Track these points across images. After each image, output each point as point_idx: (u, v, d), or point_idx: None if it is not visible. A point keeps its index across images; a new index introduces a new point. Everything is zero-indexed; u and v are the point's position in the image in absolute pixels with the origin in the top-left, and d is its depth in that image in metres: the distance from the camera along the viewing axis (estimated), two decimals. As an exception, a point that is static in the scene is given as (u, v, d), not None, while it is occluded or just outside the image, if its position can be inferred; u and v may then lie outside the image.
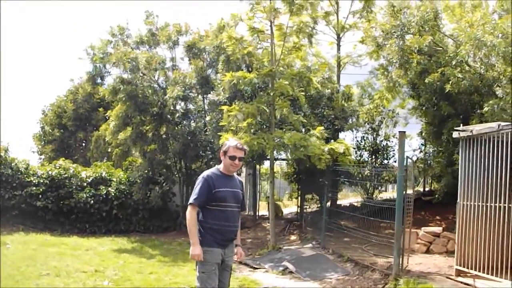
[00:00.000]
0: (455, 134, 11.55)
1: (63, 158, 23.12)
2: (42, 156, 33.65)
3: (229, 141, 6.84)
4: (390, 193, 23.59)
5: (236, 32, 16.65)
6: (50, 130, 33.25)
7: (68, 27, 74.33)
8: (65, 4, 66.69)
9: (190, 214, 6.49)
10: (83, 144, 33.38)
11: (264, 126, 16.60)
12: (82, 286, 10.57)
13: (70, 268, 12.39)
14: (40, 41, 73.40)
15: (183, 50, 21.34)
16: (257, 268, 13.63)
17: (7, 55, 67.55)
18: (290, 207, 28.25)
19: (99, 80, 21.65)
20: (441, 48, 16.40)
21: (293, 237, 18.67)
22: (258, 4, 15.62)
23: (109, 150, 23.99)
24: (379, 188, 22.53)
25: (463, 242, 11.06)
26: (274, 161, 17.63)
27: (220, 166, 6.79)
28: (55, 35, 73.77)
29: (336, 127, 19.51)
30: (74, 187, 20.84)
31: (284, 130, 15.79)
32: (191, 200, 6.55)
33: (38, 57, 70.68)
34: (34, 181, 20.53)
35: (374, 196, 20.59)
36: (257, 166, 25.31)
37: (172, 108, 21.16)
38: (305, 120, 17.04)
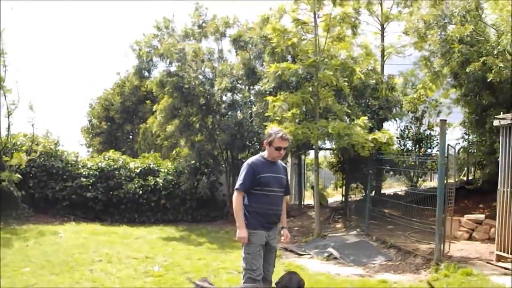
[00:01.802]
0: (495, 122, 11.76)
1: (112, 150, 23.65)
2: (90, 149, 34.33)
3: (273, 130, 7.17)
4: (434, 182, 23.64)
5: (280, 24, 16.96)
6: (98, 123, 33.87)
7: (117, 22, 75.36)
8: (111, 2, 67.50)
9: (236, 199, 6.90)
10: (131, 137, 33.96)
11: (309, 116, 16.82)
12: (134, 272, 10.98)
13: (121, 255, 12.88)
14: (88, 36, 74.52)
15: (229, 43, 21.58)
16: (302, 255, 13.99)
17: (55, 50, 68.85)
18: (335, 197, 28.46)
19: (146, 74, 22.01)
20: (483, 38, 16.48)
21: (337, 225, 18.93)
22: (302, -4, 15.96)
23: (157, 141, 24.41)
24: (423, 177, 22.63)
25: (503, 228, 11.29)
26: (319, 151, 17.86)
27: (264, 153, 7.14)
28: (104, 30, 74.90)
29: (381, 117, 19.68)
30: (123, 178, 21.25)
31: (328, 119, 16.07)
32: (237, 185, 6.95)
33: (85, 52, 71.77)
34: (84, 173, 21.04)
35: (418, 184, 20.70)
36: (302, 157, 25.59)
37: (219, 99, 21.43)
38: (349, 110, 17.28)
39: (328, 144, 20.53)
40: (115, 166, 21.57)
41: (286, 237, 7.39)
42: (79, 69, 74.09)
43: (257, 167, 6.98)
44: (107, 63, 74.78)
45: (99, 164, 21.56)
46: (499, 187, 11.53)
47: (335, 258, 13.25)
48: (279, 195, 7.15)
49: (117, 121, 32.63)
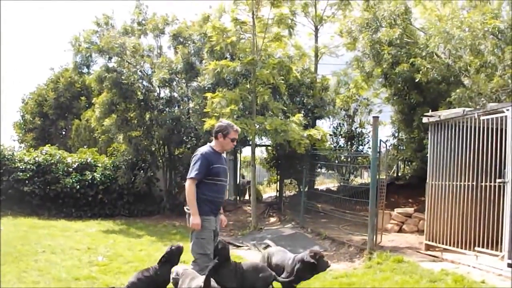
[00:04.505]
0: (424, 119, 12.51)
1: (49, 145, 23.50)
2: (23, 145, 33.77)
3: (226, 123, 7.62)
4: (365, 179, 24.49)
5: (220, 23, 17.38)
6: (31, 119, 33.33)
7: (50, 16, 74.11)
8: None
9: (190, 188, 7.22)
10: (63, 133, 33.58)
11: (246, 112, 17.26)
12: (78, 261, 11.15)
13: (64, 246, 12.98)
14: (21, 30, 73.15)
15: (169, 39, 21.73)
16: (240, 246, 14.42)
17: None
18: (268, 193, 28.99)
19: (85, 70, 22.02)
20: (412, 41, 17.27)
21: (272, 219, 19.47)
22: (241, -3, 16.43)
23: (95, 136, 24.22)
24: (355, 173, 23.41)
25: (432, 219, 12.04)
26: (256, 147, 18.33)
27: (213, 144, 7.54)
28: (36, 24, 73.61)
29: (315, 115, 20.30)
30: (60, 172, 21.11)
31: (265, 116, 16.58)
32: (192, 175, 7.27)
33: (19, 46, 70.47)
34: (21, 167, 20.79)
35: (349, 180, 21.40)
36: (238, 154, 26.07)
37: (156, 94, 21.69)
38: (285, 108, 17.84)
39: (263, 141, 21.09)
40: (52, 161, 21.38)
41: (223, 221, 7.98)
42: (11, 64, 72.58)
43: (210, 158, 7.37)
44: (40, 59, 73.46)
45: (36, 158, 21.31)
46: (428, 180, 12.28)
47: (272, 249, 13.75)
48: (225, 184, 7.67)
49: (51, 117, 32.13)
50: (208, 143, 7.77)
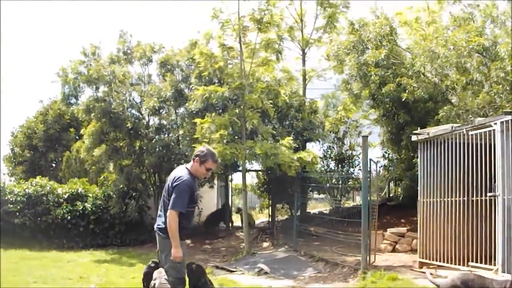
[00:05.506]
0: (413, 137, 12.56)
1: (40, 176, 23.38)
2: (13, 178, 33.52)
3: (207, 150, 7.54)
4: (357, 201, 24.48)
5: (208, 48, 17.46)
6: (20, 152, 33.23)
7: (37, 49, 74.08)
8: (37, 25, 66.60)
9: (175, 220, 7.09)
10: (54, 165, 33.43)
11: (236, 137, 17.26)
12: (71, 291, 11.16)
13: (56, 276, 12.87)
14: (10, 63, 73.06)
15: (157, 67, 21.73)
16: (233, 271, 14.30)
17: (-28, 79, 66.93)
18: (260, 219, 28.91)
19: (73, 100, 21.97)
20: (398, 61, 17.40)
21: (265, 244, 19.36)
22: (228, 23, 16.49)
23: (85, 167, 24.11)
24: (346, 195, 23.40)
25: (425, 236, 12.05)
26: (246, 172, 18.30)
27: (189, 166, 7.50)
28: (22, 57, 73.52)
29: (305, 138, 20.34)
30: (51, 203, 20.96)
31: (255, 140, 16.61)
32: (177, 208, 7.14)
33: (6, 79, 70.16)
34: (11, 199, 20.63)
35: (341, 203, 21.38)
36: (229, 182, 26.01)
37: (146, 123, 21.63)
38: (274, 132, 17.88)
39: (253, 165, 21.06)
40: (43, 192, 21.20)
41: None
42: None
43: (191, 186, 7.31)
44: (28, 92, 73.31)
45: (27, 190, 21.11)
46: (419, 198, 12.31)
47: (266, 273, 13.67)
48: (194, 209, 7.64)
49: (40, 149, 31.98)
50: (185, 165, 7.69)
